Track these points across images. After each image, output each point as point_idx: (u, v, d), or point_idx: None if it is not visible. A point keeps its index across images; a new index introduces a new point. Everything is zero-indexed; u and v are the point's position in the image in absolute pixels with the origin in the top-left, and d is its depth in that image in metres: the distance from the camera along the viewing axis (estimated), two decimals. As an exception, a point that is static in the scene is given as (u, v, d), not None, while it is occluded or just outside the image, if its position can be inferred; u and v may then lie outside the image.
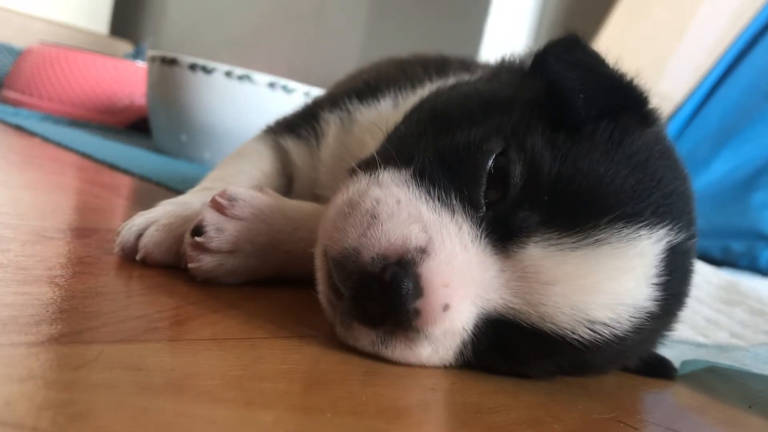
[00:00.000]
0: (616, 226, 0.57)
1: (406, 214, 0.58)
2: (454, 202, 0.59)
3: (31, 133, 1.85)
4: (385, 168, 0.63)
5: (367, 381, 0.55)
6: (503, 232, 0.58)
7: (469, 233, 0.58)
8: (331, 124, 0.96)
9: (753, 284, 1.33)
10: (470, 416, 0.53)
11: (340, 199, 0.62)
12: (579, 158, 0.59)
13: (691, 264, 0.68)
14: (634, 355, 0.70)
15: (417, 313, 0.56)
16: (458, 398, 0.57)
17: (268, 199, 0.73)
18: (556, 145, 0.59)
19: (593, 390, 0.69)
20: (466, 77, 0.88)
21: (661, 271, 0.59)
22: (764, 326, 1.09)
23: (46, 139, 1.78)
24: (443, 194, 0.60)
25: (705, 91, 2.15)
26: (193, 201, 0.79)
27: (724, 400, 0.80)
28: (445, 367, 0.62)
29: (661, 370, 0.80)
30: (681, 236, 0.61)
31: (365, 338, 0.59)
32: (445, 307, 0.56)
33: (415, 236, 0.56)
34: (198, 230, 0.68)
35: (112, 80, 2.66)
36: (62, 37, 3.42)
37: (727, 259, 1.91)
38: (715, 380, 0.87)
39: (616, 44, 2.05)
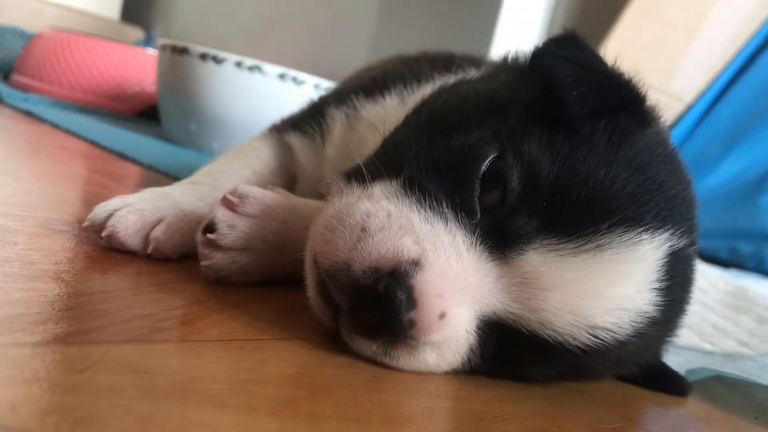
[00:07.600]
0: (617, 230, 0.56)
1: (398, 227, 0.57)
2: (447, 210, 0.58)
3: (40, 119, 1.85)
4: (375, 180, 0.62)
5: (372, 386, 0.55)
6: (501, 239, 0.57)
7: (463, 241, 0.57)
8: (337, 120, 0.95)
9: (761, 290, 1.32)
10: (475, 424, 0.53)
11: (329, 210, 0.61)
12: (578, 162, 0.57)
13: (692, 271, 0.67)
14: (632, 362, 0.69)
15: (412, 323, 0.55)
16: (463, 406, 0.57)
17: (278, 197, 0.73)
18: (554, 148, 0.58)
19: (600, 399, 0.69)
20: (473, 72, 0.87)
21: (662, 276, 0.58)
22: (772, 335, 1.08)
23: (55, 126, 1.78)
24: (435, 203, 0.58)
25: (716, 92, 2.14)
26: (173, 193, 0.79)
27: (730, 411, 0.79)
28: (450, 373, 0.62)
29: (675, 386, 0.77)
30: (682, 242, 0.60)
31: (366, 349, 0.59)
32: (441, 316, 0.55)
33: (407, 248, 0.55)
34: (210, 228, 0.68)
35: (122, 67, 2.65)
36: (73, 22, 3.42)
37: (735, 260, 1.91)
38: (722, 389, 0.87)
39: (629, 44, 2.04)
